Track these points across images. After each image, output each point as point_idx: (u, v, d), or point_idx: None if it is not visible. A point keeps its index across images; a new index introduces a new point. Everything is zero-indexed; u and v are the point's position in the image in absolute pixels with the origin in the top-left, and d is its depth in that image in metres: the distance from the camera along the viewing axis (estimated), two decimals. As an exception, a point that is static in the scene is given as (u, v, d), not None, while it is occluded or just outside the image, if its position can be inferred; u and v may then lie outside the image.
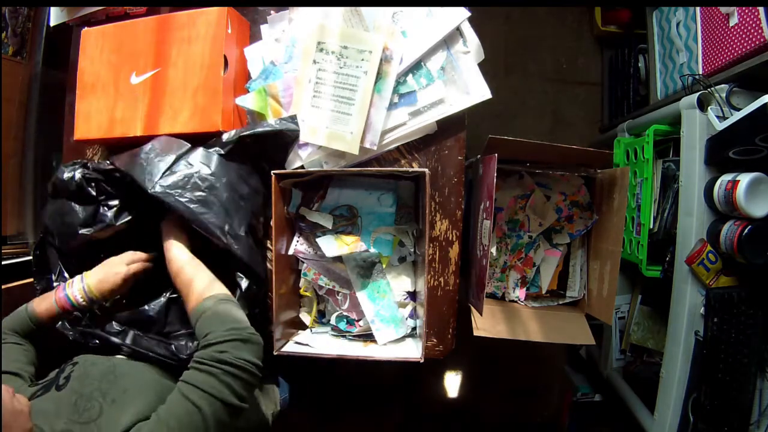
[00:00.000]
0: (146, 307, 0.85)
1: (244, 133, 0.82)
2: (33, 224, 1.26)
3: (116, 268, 0.78)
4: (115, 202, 0.84)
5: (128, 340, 0.77)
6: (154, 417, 0.56)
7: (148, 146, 0.81)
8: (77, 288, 0.76)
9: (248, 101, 0.88)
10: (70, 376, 0.64)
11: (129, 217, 0.84)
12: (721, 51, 1.04)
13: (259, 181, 0.86)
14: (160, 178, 0.76)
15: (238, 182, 0.82)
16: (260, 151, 0.85)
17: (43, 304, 0.76)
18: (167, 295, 0.86)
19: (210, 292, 0.69)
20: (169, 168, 0.77)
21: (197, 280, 0.71)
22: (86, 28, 0.93)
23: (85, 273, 0.79)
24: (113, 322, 0.79)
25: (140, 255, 0.82)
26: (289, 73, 0.88)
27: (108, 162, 0.82)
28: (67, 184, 0.82)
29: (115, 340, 0.76)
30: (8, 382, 0.66)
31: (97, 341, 0.77)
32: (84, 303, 0.76)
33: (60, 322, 0.78)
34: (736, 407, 0.93)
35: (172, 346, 0.78)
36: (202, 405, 0.56)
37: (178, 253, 0.75)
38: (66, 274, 0.86)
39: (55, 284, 0.85)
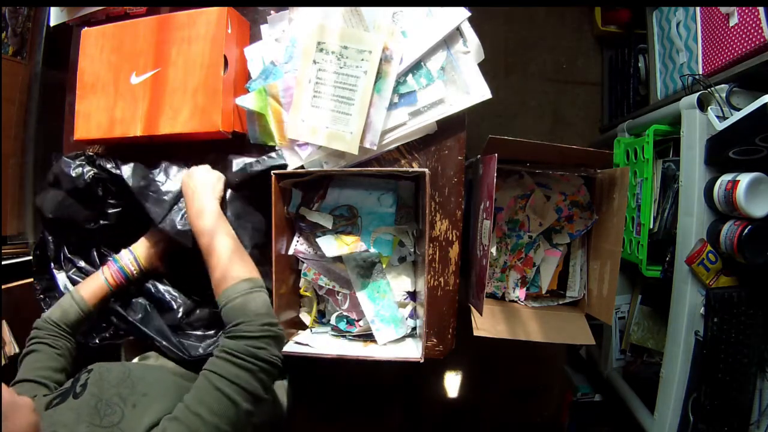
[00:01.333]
0: (170, 297, 0.87)
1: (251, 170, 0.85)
2: (33, 224, 1.26)
3: (155, 238, 0.85)
4: (118, 206, 0.86)
5: (139, 315, 0.81)
6: (181, 407, 0.55)
7: (159, 175, 0.84)
8: (128, 260, 0.82)
9: (248, 101, 0.88)
10: (87, 383, 0.62)
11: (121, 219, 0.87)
12: (721, 51, 1.04)
13: (254, 203, 0.87)
14: (168, 213, 0.81)
15: (243, 208, 0.85)
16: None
17: (90, 287, 0.78)
18: (194, 298, 0.88)
19: (246, 275, 0.67)
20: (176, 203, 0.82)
21: (234, 255, 0.69)
22: (86, 28, 0.93)
23: (131, 246, 0.85)
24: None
25: None
26: (289, 73, 0.88)
27: (112, 165, 0.83)
28: (74, 181, 0.82)
29: (128, 316, 0.81)
30: (30, 390, 0.64)
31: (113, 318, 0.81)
32: (136, 273, 0.83)
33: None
34: (736, 407, 0.93)
35: (184, 342, 0.79)
36: (239, 400, 0.56)
37: (215, 218, 0.74)
38: (69, 256, 0.89)
39: (56, 272, 0.87)
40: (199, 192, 0.77)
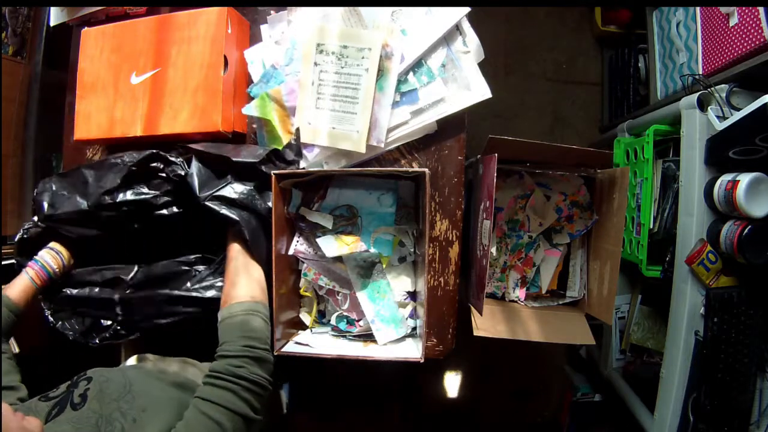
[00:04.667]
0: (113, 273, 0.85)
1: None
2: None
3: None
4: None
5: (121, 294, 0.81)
6: None
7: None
8: (49, 257, 0.81)
9: (253, 109, 0.88)
10: (86, 394, 0.62)
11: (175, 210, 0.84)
12: (721, 51, 1.04)
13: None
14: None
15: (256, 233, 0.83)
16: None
17: (16, 289, 0.77)
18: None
19: (245, 298, 0.68)
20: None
21: (242, 279, 0.71)
22: (86, 28, 0.93)
23: (50, 244, 0.83)
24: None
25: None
26: (290, 76, 0.88)
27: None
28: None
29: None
30: (7, 398, 0.64)
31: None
32: (58, 270, 0.81)
33: (60, 323, 0.78)
34: (736, 407, 0.93)
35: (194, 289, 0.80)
36: (223, 421, 0.57)
37: (237, 252, 0.76)
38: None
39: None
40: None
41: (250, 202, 0.79)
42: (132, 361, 0.86)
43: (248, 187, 0.80)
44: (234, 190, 0.79)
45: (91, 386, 0.63)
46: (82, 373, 0.68)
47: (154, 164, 0.81)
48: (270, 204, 0.79)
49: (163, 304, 0.81)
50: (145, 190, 0.81)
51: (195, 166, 0.79)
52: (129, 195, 0.80)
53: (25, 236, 0.84)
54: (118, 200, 0.79)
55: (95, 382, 0.64)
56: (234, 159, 0.79)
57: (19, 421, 0.51)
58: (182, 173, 0.79)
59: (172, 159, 0.81)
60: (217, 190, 0.77)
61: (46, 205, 0.82)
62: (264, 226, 0.79)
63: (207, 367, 0.63)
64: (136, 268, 0.85)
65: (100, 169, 0.82)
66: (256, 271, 0.74)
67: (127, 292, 0.83)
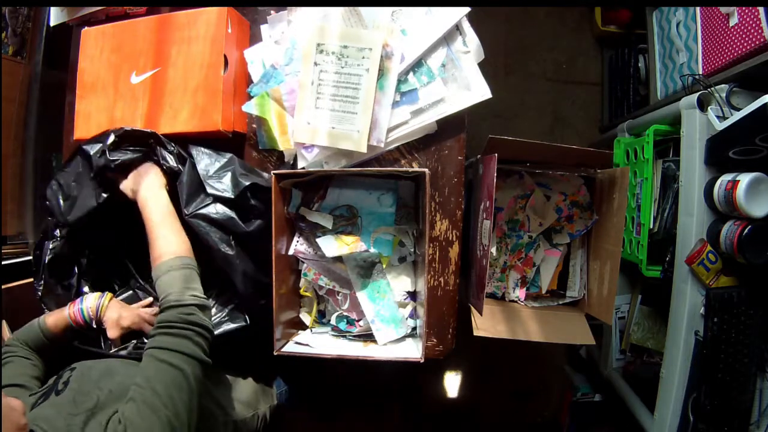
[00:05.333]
0: None
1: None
2: (33, 224, 1.26)
3: (131, 312, 0.82)
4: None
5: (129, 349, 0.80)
6: (134, 387, 0.57)
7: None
8: (93, 304, 0.79)
9: (252, 107, 0.88)
10: (69, 380, 0.64)
11: None
12: (721, 51, 1.04)
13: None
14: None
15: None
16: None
17: (54, 317, 0.78)
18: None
19: (180, 254, 0.71)
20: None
21: (171, 236, 0.73)
22: (86, 27, 0.93)
23: (107, 293, 0.82)
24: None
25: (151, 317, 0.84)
26: (290, 75, 0.88)
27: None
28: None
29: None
30: (12, 392, 0.66)
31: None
32: (94, 319, 0.78)
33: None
34: (736, 407, 0.93)
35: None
36: (184, 366, 0.60)
37: (159, 201, 0.76)
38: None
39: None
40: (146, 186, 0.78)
41: (231, 224, 0.80)
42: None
43: (229, 212, 0.81)
44: (216, 210, 0.80)
45: (74, 373, 0.65)
46: (68, 367, 0.69)
47: (150, 141, 0.81)
48: (256, 222, 0.81)
49: None
50: (138, 148, 0.81)
51: (186, 173, 0.80)
52: (126, 154, 0.80)
53: (53, 256, 0.83)
54: (114, 161, 0.79)
55: (78, 370, 0.66)
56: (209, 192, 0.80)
57: (3, 397, 0.52)
58: (174, 166, 0.81)
59: (169, 147, 0.81)
60: (202, 208, 0.79)
61: (62, 202, 0.82)
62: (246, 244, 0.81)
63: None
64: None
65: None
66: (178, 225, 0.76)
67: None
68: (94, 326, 0.79)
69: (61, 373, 0.67)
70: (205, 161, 0.82)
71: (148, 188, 0.77)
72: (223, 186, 0.81)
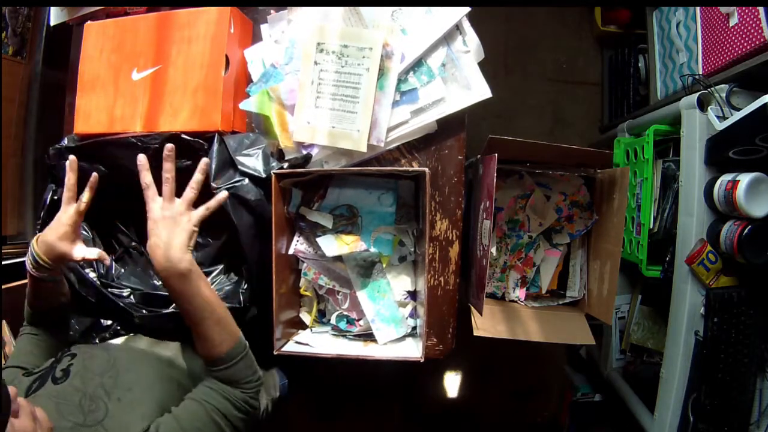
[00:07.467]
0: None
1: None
2: (33, 224, 1.26)
3: (55, 225, 0.69)
4: None
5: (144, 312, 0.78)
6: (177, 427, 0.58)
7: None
8: (28, 254, 0.69)
9: (251, 105, 0.88)
10: (69, 370, 0.62)
11: None
12: (721, 51, 1.04)
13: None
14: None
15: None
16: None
17: (28, 287, 0.74)
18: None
19: (239, 333, 0.69)
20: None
21: (229, 316, 0.67)
22: (89, 21, 0.92)
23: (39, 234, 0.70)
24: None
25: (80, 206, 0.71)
26: (290, 75, 0.88)
27: None
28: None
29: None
30: (8, 375, 0.65)
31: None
32: (35, 271, 0.68)
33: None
34: (736, 407, 0.93)
35: None
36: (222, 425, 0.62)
37: (203, 286, 0.64)
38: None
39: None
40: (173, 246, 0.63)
41: (259, 205, 0.78)
42: (119, 341, 0.81)
43: (261, 192, 0.78)
44: (246, 189, 0.76)
45: (75, 362, 0.63)
46: (67, 349, 0.68)
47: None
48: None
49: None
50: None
51: (216, 148, 0.77)
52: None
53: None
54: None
55: (79, 358, 0.64)
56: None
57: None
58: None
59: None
60: (232, 184, 0.76)
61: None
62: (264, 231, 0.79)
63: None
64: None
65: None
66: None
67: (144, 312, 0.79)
68: (48, 265, 0.68)
69: (60, 357, 0.65)
70: (234, 139, 0.81)
71: (177, 263, 0.62)
72: (254, 163, 0.78)
